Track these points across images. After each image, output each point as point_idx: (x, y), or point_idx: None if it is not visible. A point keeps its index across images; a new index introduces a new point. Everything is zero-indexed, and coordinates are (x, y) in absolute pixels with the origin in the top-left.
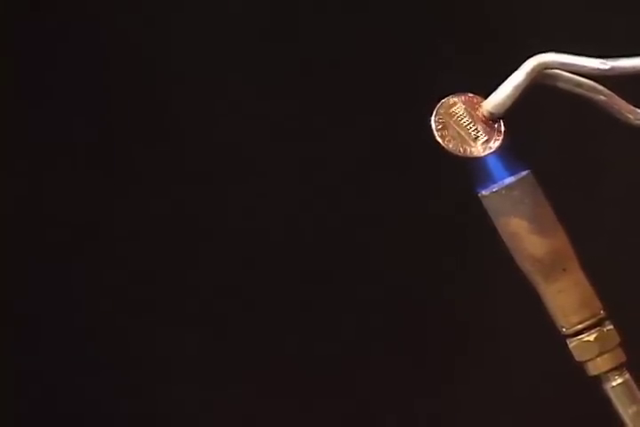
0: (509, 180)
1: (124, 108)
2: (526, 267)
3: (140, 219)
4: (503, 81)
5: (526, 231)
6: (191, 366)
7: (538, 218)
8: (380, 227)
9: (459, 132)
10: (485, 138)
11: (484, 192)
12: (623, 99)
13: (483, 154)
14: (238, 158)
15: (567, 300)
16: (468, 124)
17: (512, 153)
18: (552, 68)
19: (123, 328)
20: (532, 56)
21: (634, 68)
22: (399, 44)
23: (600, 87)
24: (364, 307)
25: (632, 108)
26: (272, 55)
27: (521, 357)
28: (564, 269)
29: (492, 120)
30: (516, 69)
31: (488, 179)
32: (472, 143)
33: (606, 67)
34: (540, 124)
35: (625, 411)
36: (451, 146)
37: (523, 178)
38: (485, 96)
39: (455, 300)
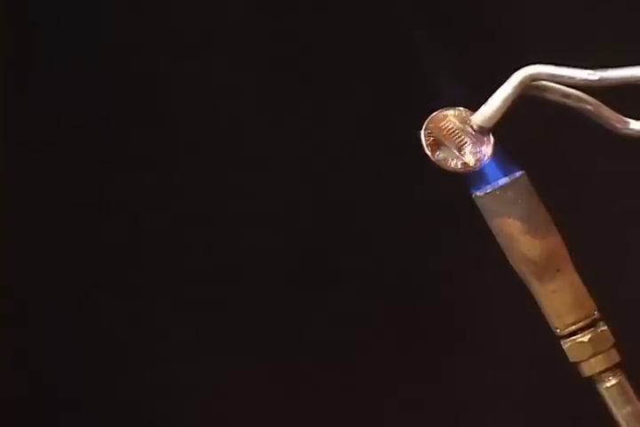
0: (503, 181)
1: (116, 95)
2: (520, 268)
3: (134, 204)
4: (493, 90)
5: (520, 232)
6: (189, 353)
7: (532, 219)
8: (380, 219)
9: (448, 147)
10: (475, 151)
11: (477, 193)
12: (611, 108)
13: (472, 167)
14: (237, 146)
15: (561, 301)
16: (457, 138)
17: (506, 154)
18: (540, 80)
19: (120, 317)
20: (521, 66)
21: (622, 78)
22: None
23: (587, 97)
24: (362, 305)
25: (620, 117)
26: (271, 54)
27: (519, 356)
28: (558, 270)
29: (481, 133)
30: (507, 77)
31: (482, 180)
32: (462, 157)
33: (595, 77)
34: (533, 124)
35: (619, 412)
36: (440, 160)
37: (516, 179)
38: (475, 108)
39: (455, 299)
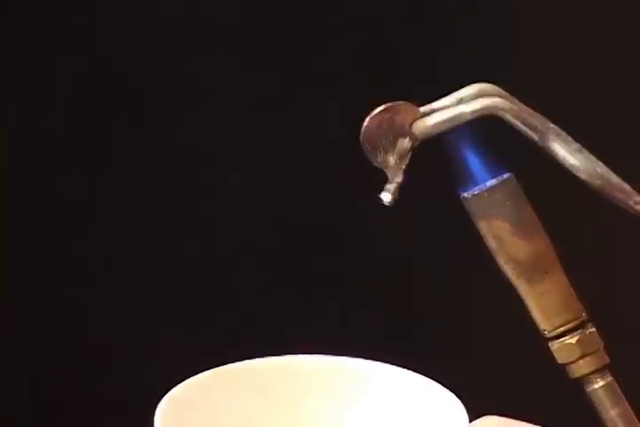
0: (491, 182)
1: (116, 95)
2: (508, 269)
3: (134, 204)
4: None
5: (508, 234)
6: (189, 353)
7: (520, 220)
8: (380, 218)
9: (384, 142)
10: (398, 157)
11: (465, 194)
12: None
13: (393, 170)
14: (237, 146)
15: (549, 302)
16: (393, 137)
17: (494, 155)
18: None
19: (120, 317)
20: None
21: (564, 158)
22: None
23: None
24: (362, 305)
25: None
26: (270, 54)
27: (519, 356)
28: (546, 272)
29: (412, 140)
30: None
31: (470, 181)
32: (389, 156)
33: (546, 145)
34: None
35: (607, 413)
36: (369, 148)
37: (505, 180)
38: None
39: (455, 299)
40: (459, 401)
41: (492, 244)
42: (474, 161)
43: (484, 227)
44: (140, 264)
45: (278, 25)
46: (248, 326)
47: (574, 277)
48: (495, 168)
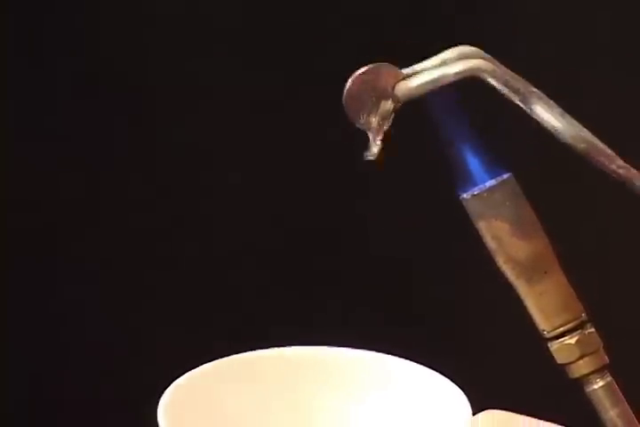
0: (491, 183)
1: (116, 96)
2: (507, 269)
3: (134, 204)
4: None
5: (508, 234)
6: (188, 353)
7: (519, 221)
8: (380, 218)
9: (366, 103)
10: (380, 118)
11: (465, 195)
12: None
13: (375, 131)
14: (236, 146)
15: (549, 303)
16: (376, 99)
17: (493, 156)
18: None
19: (119, 317)
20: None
21: (547, 121)
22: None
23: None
24: (362, 305)
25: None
26: (270, 55)
27: (519, 356)
28: (546, 272)
29: (394, 101)
30: None
31: (469, 182)
32: (371, 118)
33: (528, 107)
34: (521, 126)
35: (606, 413)
36: (351, 110)
37: (504, 181)
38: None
39: (455, 299)
40: (462, 393)
41: (491, 244)
42: (473, 161)
43: (483, 227)
44: (140, 264)
45: (278, 25)
46: (248, 326)
47: (574, 277)
48: (494, 168)
